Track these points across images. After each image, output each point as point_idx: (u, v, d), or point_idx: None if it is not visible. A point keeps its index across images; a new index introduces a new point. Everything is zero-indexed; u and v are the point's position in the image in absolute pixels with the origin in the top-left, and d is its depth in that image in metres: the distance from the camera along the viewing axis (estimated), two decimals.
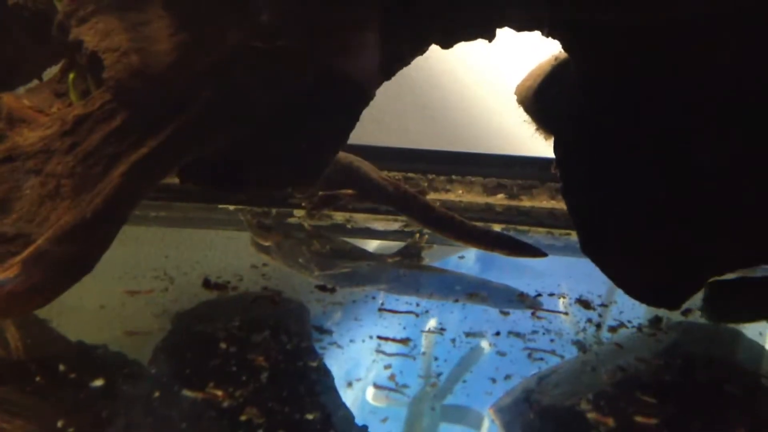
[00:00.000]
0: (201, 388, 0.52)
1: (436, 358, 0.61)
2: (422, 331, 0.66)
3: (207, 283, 0.73)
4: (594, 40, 0.68)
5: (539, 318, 0.69)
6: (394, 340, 0.64)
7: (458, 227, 0.89)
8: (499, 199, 1.11)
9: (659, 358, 0.61)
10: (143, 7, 0.64)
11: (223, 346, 0.59)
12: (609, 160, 0.69)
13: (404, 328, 0.67)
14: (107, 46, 0.63)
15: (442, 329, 0.67)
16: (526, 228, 1.05)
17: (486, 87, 1.16)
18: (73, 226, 0.60)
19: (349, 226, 1.03)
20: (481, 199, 1.11)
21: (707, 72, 0.64)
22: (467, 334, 0.65)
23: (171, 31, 0.62)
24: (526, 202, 1.10)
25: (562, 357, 0.62)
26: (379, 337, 0.64)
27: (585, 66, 0.72)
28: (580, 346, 0.64)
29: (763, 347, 0.68)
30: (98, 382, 0.52)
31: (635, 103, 0.68)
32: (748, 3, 0.58)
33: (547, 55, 0.83)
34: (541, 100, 0.84)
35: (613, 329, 0.67)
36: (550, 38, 0.72)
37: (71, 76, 0.71)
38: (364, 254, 0.96)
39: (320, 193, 0.96)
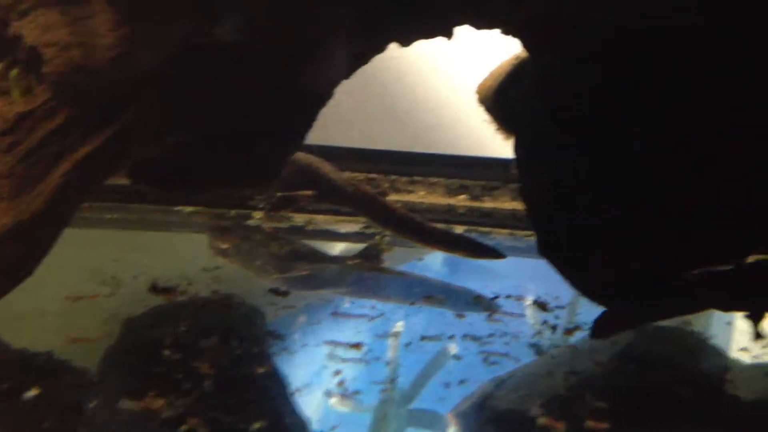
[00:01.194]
0: (141, 397, 0.50)
1: (390, 363, 0.59)
2: (377, 336, 0.65)
3: (154, 288, 0.71)
4: (553, 39, 0.67)
5: (496, 321, 0.68)
6: (347, 344, 0.62)
7: (419, 229, 0.87)
8: (462, 201, 1.09)
9: (614, 361, 0.60)
10: (86, 0, 0.62)
11: (167, 352, 0.57)
12: (567, 162, 0.68)
13: (359, 332, 0.65)
14: (47, 41, 0.60)
15: (398, 333, 0.65)
16: (488, 229, 1.04)
17: (448, 87, 1.15)
18: (11, 228, 0.58)
19: (308, 228, 1.01)
20: (444, 201, 1.09)
21: (669, 72, 0.63)
22: (423, 338, 0.64)
23: (114, 26, 0.60)
24: (488, 204, 1.09)
25: (518, 360, 0.60)
26: (333, 342, 0.62)
27: (544, 65, 0.71)
28: (537, 349, 0.63)
29: (716, 349, 0.67)
30: (33, 392, 0.50)
31: (594, 104, 0.67)
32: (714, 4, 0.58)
33: (509, 54, 0.82)
34: (502, 100, 0.83)
35: (569, 332, 0.66)
36: (509, 37, 0.71)
37: (13, 72, 0.68)
38: (324, 257, 0.95)
39: (279, 194, 0.95)
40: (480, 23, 0.71)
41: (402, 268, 0.90)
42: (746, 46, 0.59)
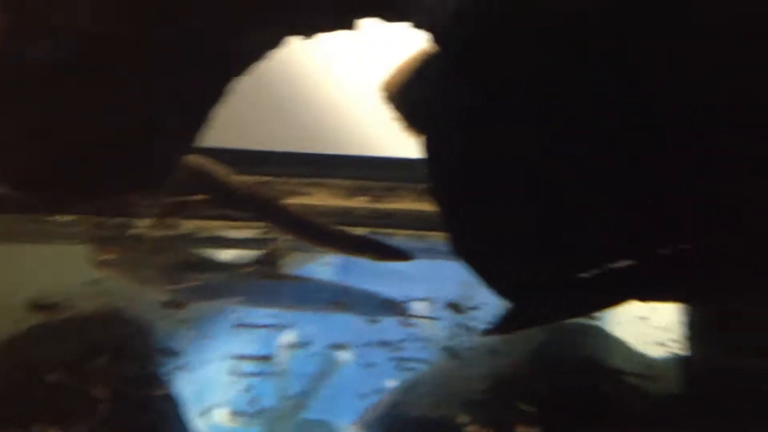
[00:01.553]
0: (27, 428, 0.44)
1: (297, 374, 0.55)
2: (283, 346, 0.60)
3: (33, 305, 0.63)
4: (464, 33, 0.65)
5: (408, 325, 0.65)
6: (251, 357, 0.58)
7: (319, 232, 0.83)
8: (363, 202, 1.06)
9: (532, 361, 0.59)
10: None
11: (54, 376, 0.51)
12: (478, 159, 0.66)
13: (263, 344, 0.61)
14: None
15: (305, 343, 0.61)
16: (391, 231, 1.01)
17: (348, 84, 1.11)
18: None
19: (200, 235, 0.95)
20: (344, 203, 1.06)
21: (573, 66, 0.62)
22: (332, 346, 0.60)
23: None
24: (390, 204, 1.06)
25: (432, 365, 0.58)
26: (237, 356, 0.57)
27: (454, 60, 0.69)
28: (452, 352, 0.60)
29: (626, 344, 0.67)
30: None
31: (507, 98, 0.66)
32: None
33: (415, 48, 0.79)
34: (409, 96, 0.81)
35: (485, 333, 0.64)
36: (418, 30, 0.68)
37: None
38: (219, 265, 0.89)
39: (167, 200, 0.88)
40: (388, 16, 0.68)
41: (303, 273, 0.86)
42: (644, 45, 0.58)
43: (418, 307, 0.69)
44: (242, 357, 0.57)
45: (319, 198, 1.06)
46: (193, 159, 0.87)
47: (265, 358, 0.57)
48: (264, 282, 0.80)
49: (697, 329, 0.68)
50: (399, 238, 0.98)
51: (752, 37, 0.52)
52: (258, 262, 0.87)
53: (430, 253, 0.92)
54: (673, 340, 0.64)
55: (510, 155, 0.65)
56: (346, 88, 1.11)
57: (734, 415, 0.52)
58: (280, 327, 0.64)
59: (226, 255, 0.92)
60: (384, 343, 0.61)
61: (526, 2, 0.60)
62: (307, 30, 0.70)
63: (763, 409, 0.54)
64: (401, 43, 0.76)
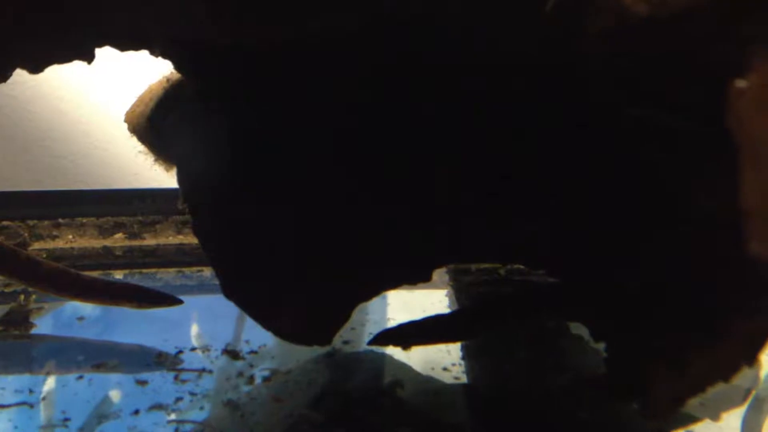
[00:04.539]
0: None
1: None
2: (40, 427, 0.53)
3: None
4: (208, 61, 0.61)
5: (183, 381, 0.59)
6: None
7: (73, 282, 0.75)
8: (119, 240, 0.98)
9: (320, 405, 0.56)
10: None
11: None
12: (244, 192, 0.63)
13: (16, 427, 0.52)
14: None
15: (67, 420, 0.54)
16: (153, 270, 0.94)
17: (94, 114, 1.02)
18: None
19: None
20: (97, 243, 0.97)
21: (335, 91, 0.61)
22: (99, 419, 0.53)
23: None
24: (150, 241, 0.99)
25: (211, 427, 0.53)
26: None
27: (201, 88, 0.65)
28: (233, 406, 0.56)
29: (413, 370, 0.67)
30: None
31: (266, 126, 0.63)
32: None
33: (158, 76, 0.74)
34: (156, 127, 0.75)
35: (267, 379, 0.60)
36: (160, 58, 0.63)
37: None
38: None
39: None
40: (125, 44, 0.62)
41: (58, 332, 0.76)
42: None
43: (194, 358, 0.64)
44: None
45: (68, 240, 0.96)
46: None
47: None
48: (13, 344, 0.70)
49: (482, 353, 0.70)
50: (164, 276, 0.92)
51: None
52: (3, 321, 0.76)
53: (198, 289, 0.87)
54: (456, 364, 0.65)
55: (274, 190, 0.63)
56: (94, 118, 1.02)
57: None
58: (35, 404, 0.55)
59: None
60: (158, 406, 0.55)
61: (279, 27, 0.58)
62: (39, 61, 0.62)
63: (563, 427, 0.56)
64: (146, 71, 0.70)
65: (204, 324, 0.74)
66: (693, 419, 0.59)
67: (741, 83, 0.36)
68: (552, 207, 0.56)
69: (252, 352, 0.65)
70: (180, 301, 0.72)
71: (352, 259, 0.62)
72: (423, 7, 0.45)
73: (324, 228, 0.62)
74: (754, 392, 0.64)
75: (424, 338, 0.68)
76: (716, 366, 0.48)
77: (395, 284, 0.67)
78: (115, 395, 0.57)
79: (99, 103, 1.00)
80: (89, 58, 0.61)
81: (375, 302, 0.79)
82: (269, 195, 0.62)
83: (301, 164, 0.62)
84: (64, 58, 0.61)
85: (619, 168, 0.52)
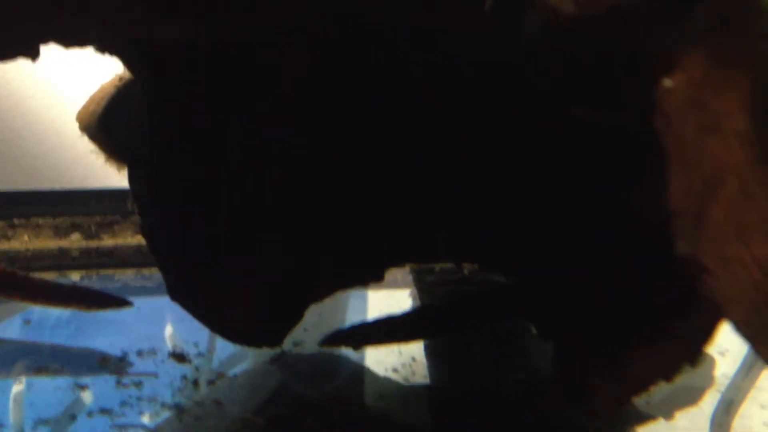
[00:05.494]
0: None
1: None
2: None
3: None
4: (154, 57, 0.60)
5: (127, 386, 0.58)
6: None
7: (22, 284, 0.73)
8: (75, 241, 0.96)
9: (265, 409, 0.55)
10: None
11: None
12: (190, 191, 0.62)
13: None
14: None
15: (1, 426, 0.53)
16: (111, 271, 0.92)
17: (45, 112, 1.00)
18: None
19: None
20: (53, 244, 0.95)
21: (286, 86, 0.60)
22: (38, 424, 0.52)
23: None
24: (107, 241, 0.97)
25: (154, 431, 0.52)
26: None
27: (148, 86, 0.64)
28: (179, 410, 0.55)
29: (363, 367, 0.67)
30: None
31: (212, 127, 0.62)
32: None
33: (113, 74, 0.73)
34: (107, 126, 0.74)
35: (212, 383, 0.59)
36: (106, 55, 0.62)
37: None
38: None
39: None
40: (69, 41, 0.61)
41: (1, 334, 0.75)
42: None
43: (139, 362, 0.63)
44: None
45: (24, 241, 0.95)
46: None
47: None
48: None
49: (444, 352, 0.70)
50: (122, 277, 0.91)
51: None
52: None
53: (157, 291, 0.86)
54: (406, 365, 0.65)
55: (224, 187, 0.62)
56: (46, 117, 1.00)
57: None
58: None
59: None
60: (103, 411, 0.54)
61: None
62: None
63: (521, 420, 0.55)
64: (98, 69, 0.69)
65: (154, 326, 0.73)
66: (646, 418, 0.59)
67: (669, 82, 0.36)
68: (498, 207, 0.55)
69: (200, 354, 0.64)
70: (129, 303, 0.71)
71: (302, 260, 0.62)
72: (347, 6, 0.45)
73: (272, 228, 0.61)
74: (708, 392, 0.64)
75: (377, 339, 0.67)
76: (658, 366, 0.47)
77: (347, 284, 0.67)
78: (54, 400, 0.56)
79: (55, 101, 0.99)
80: (34, 55, 0.60)
81: (333, 303, 0.78)
82: (216, 196, 0.61)
83: (249, 165, 0.61)
84: (7, 55, 0.60)
85: (563, 168, 0.51)
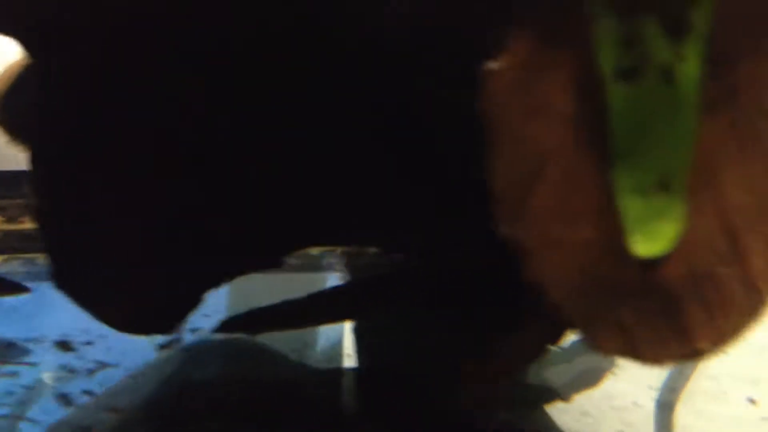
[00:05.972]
0: None
1: None
2: None
3: None
4: (51, 39, 0.59)
5: (7, 375, 0.57)
6: None
7: None
8: None
9: (147, 404, 0.54)
10: None
11: None
12: (77, 176, 0.61)
13: None
14: None
15: None
16: (33, 255, 0.91)
17: None
18: None
19: None
20: None
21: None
22: None
23: None
24: (29, 224, 0.96)
25: (36, 422, 0.51)
26: None
27: (44, 68, 0.63)
28: (66, 401, 0.54)
29: (279, 353, 0.66)
30: None
31: (110, 109, 0.61)
32: None
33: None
34: (10, 107, 0.72)
35: (91, 372, 0.58)
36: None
37: None
38: None
39: None
40: None
41: None
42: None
43: (24, 350, 0.62)
44: None
45: None
46: None
47: None
48: None
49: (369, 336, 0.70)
50: (42, 262, 0.89)
51: None
52: None
53: None
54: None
55: (112, 173, 0.61)
56: None
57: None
58: None
59: None
60: None
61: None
62: None
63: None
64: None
65: (49, 313, 0.72)
66: (544, 400, 0.59)
67: (493, 64, 0.35)
68: (374, 189, 0.55)
69: (88, 343, 0.63)
70: (26, 290, 0.70)
71: (192, 246, 0.61)
72: None
73: (161, 213, 0.60)
74: (609, 374, 0.64)
75: (275, 324, 0.66)
76: (523, 347, 0.47)
77: (243, 270, 0.66)
78: None
79: None
80: None
81: (248, 286, 0.77)
82: (103, 181, 0.60)
83: (136, 150, 0.60)
84: None
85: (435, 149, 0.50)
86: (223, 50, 0.56)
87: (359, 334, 0.71)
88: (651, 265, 0.34)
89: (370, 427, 0.52)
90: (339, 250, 0.96)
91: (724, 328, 0.34)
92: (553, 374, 0.64)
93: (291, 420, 0.52)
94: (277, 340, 0.68)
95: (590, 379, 0.63)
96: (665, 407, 0.58)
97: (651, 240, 0.33)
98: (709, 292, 0.34)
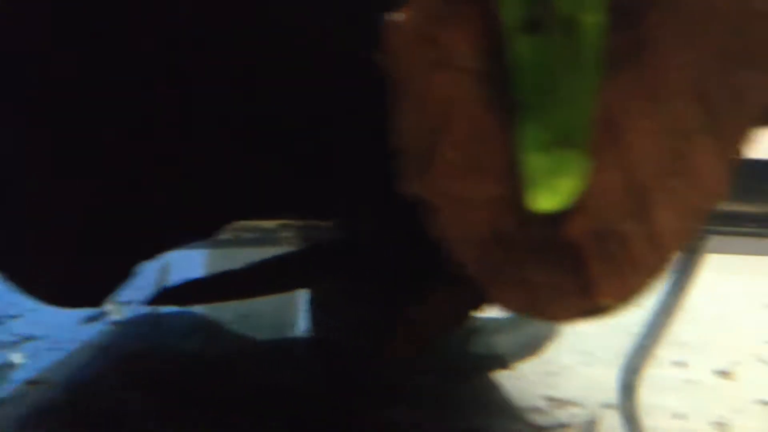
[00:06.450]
0: None
1: None
2: None
3: None
4: None
5: None
6: None
7: None
8: None
9: (69, 377, 0.53)
10: None
11: None
12: (7, 149, 0.59)
13: None
14: None
15: None
16: None
17: None
18: None
19: None
20: None
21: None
22: None
23: None
24: None
25: None
26: None
27: None
28: None
29: (223, 328, 0.65)
30: None
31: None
32: None
33: None
34: None
35: (15, 344, 0.57)
36: None
37: None
38: None
39: None
40: None
41: None
42: None
43: None
44: None
45: None
46: None
47: None
48: None
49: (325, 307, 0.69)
50: None
51: None
52: None
53: None
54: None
55: (40, 150, 0.59)
56: None
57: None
58: None
59: None
60: None
61: None
62: None
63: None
64: None
65: None
66: (487, 366, 0.59)
67: (398, 16, 0.34)
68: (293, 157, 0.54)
69: (14, 316, 0.61)
70: None
71: (121, 217, 0.60)
72: None
73: (86, 186, 0.59)
74: (549, 342, 0.64)
75: (209, 296, 0.65)
76: (436, 317, 0.47)
77: (176, 244, 0.65)
78: None
79: None
80: None
81: (191, 258, 0.77)
82: (30, 155, 0.59)
83: (62, 125, 0.59)
84: None
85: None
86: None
87: (310, 306, 0.70)
88: (555, 221, 0.33)
89: (296, 399, 0.51)
90: (294, 223, 0.95)
91: (629, 285, 0.33)
92: (497, 342, 0.64)
93: (216, 392, 0.51)
94: (220, 312, 0.67)
95: (531, 348, 0.63)
96: (627, 389, 0.58)
97: (550, 195, 0.32)
98: (614, 249, 0.34)
